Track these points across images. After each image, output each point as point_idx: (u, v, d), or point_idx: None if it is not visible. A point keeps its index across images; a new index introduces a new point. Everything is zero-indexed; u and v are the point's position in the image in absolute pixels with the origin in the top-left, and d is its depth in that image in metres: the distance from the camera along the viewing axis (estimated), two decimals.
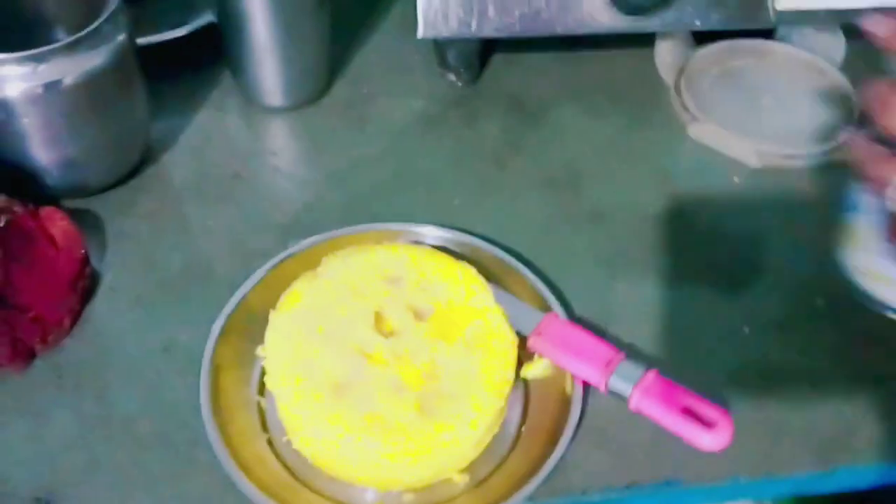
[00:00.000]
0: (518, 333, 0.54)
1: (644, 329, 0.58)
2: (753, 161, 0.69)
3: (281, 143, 0.72)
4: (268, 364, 0.51)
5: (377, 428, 0.48)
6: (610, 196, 0.67)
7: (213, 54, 0.73)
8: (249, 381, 0.55)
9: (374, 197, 0.66)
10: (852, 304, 0.59)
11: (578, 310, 0.59)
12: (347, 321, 0.52)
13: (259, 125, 0.72)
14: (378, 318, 0.52)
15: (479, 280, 0.54)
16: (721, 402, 0.51)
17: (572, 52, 0.78)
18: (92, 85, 0.59)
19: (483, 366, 0.51)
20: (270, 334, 0.51)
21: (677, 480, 0.52)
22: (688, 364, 0.56)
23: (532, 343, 0.53)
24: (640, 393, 0.50)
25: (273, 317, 0.52)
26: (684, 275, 0.62)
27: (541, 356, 0.54)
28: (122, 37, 0.61)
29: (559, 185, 0.68)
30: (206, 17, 0.73)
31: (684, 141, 0.72)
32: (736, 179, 0.69)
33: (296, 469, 0.51)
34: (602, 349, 0.52)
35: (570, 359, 0.52)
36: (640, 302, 0.60)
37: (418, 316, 0.53)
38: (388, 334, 0.52)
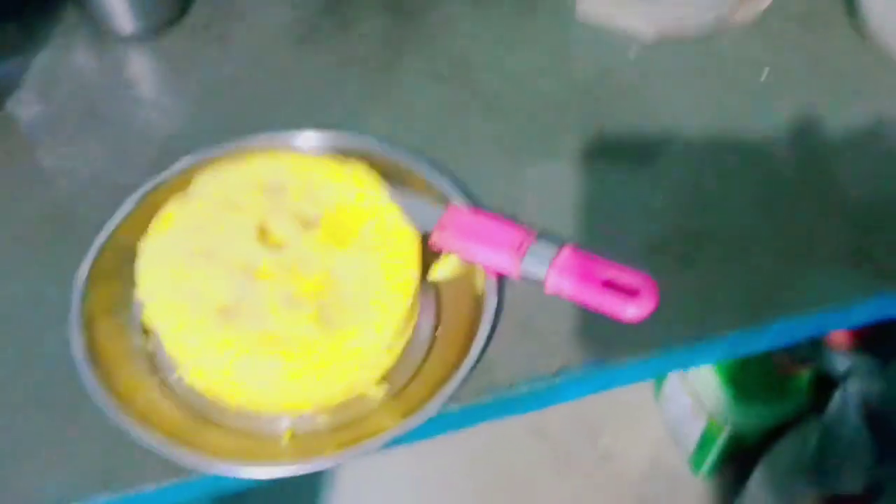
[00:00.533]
0: (421, 233, 0.49)
1: (555, 211, 0.55)
2: (648, 32, 0.66)
3: (138, 72, 0.65)
4: (143, 295, 0.45)
5: (273, 345, 0.43)
6: (503, 85, 0.63)
7: None
8: (130, 325, 0.49)
9: (248, 115, 0.61)
10: (763, 158, 0.57)
11: (485, 202, 0.54)
12: (227, 239, 0.47)
13: (112, 57, 0.65)
14: (262, 231, 0.48)
15: (370, 179, 0.50)
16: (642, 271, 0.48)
17: None
18: None
19: (383, 266, 0.46)
20: (142, 263, 0.46)
21: (607, 359, 0.49)
22: (603, 242, 0.53)
23: (436, 239, 0.49)
24: (557, 272, 0.46)
25: (143, 245, 0.47)
26: (590, 154, 0.59)
27: (447, 253, 0.50)
28: None
29: (450, 80, 0.63)
30: None
31: (573, 22, 0.68)
32: (631, 55, 0.65)
33: (197, 408, 0.46)
34: (511, 233, 0.48)
35: (478, 248, 0.48)
36: (547, 185, 0.57)
37: (306, 224, 0.48)
38: (275, 247, 0.47)
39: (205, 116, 0.61)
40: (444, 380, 0.46)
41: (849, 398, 1.15)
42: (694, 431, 1.42)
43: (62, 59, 0.65)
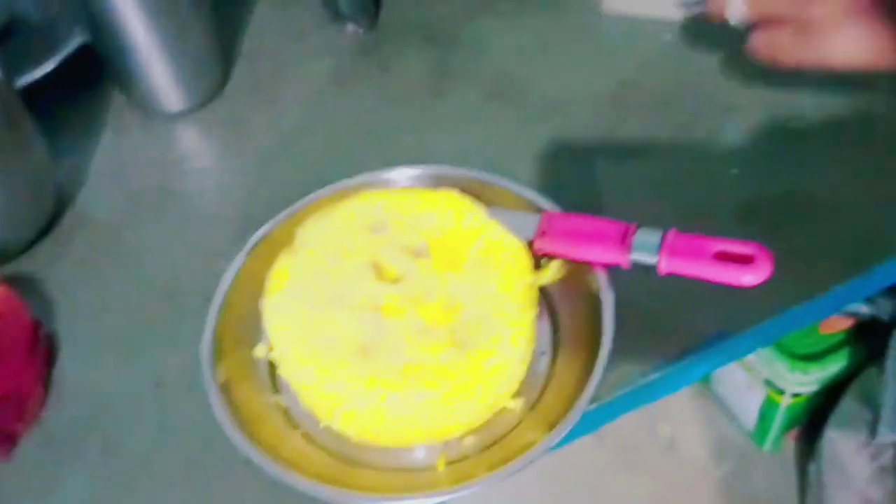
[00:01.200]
0: (523, 242, 0.50)
1: (638, 202, 0.56)
2: (676, 14, 0.67)
3: (196, 144, 0.66)
4: (277, 353, 0.46)
5: (419, 376, 0.44)
6: (554, 91, 0.65)
7: (93, 77, 0.67)
8: (261, 387, 0.50)
9: (318, 164, 0.62)
10: (824, 113, 0.58)
11: (568, 206, 0.55)
12: (346, 282, 0.47)
13: (167, 134, 0.67)
14: (377, 269, 0.48)
15: (465, 200, 0.51)
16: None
17: None
18: None
19: (501, 280, 0.47)
20: (269, 321, 0.46)
21: (728, 330, 0.50)
22: (696, 221, 0.54)
23: (539, 245, 0.50)
24: (668, 254, 0.47)
25: (265, 303, 0.47)
26: (654, 143, 0.60)
27: (551, 258, 0.50)
28: None
29: (502, 96, 0.65)
30: (76, 41, 0.66)
31: (601, 16, 0.69)
32: (668, 37, 0.67)
33: (345, 453, 0.47)
34: (612, 227, 0.49)
35: (584, 247, 0.49)
36: (622, 179, 0.58)
37: (417, 255, 0.49)
38: (393, 282, 0.48)
39: (275, 173, 0.62)
40: (578, 383, 0.46)
41: None
42: (753, 405, 1.42)
43: (120, 144, 0.66)
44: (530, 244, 0.50)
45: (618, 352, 0.48)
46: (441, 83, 0.67)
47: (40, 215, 0.60)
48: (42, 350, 0.52)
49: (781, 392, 1.37)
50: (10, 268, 0.58)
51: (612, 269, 0.50)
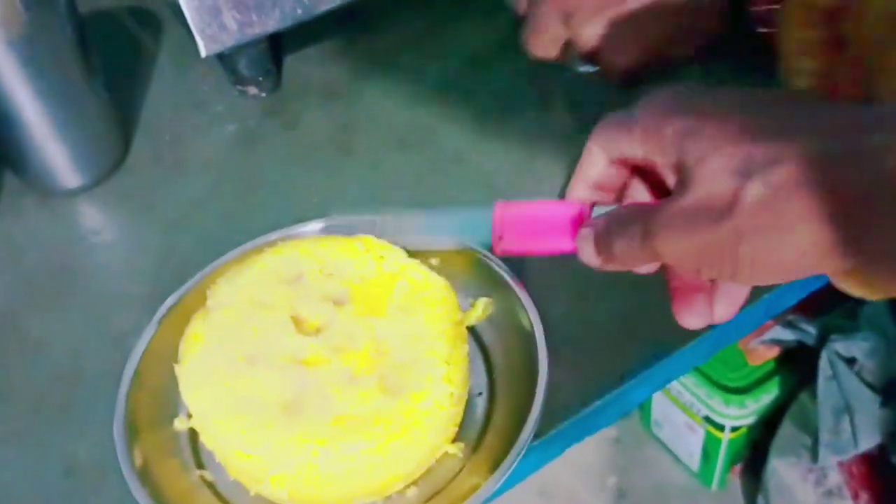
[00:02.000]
0: (472, 250, 0.49)
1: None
2: None
3: (98, 220, 0.63)
4: (196, 421, 0.43)
5: (351, 428, 0.41)
6: (464, 134, 0.64)
7: None
8: (183, 464, 0.46)
9: (227, 228, 0.59)
10: None
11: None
12: (265, 338, 0.45)
13: (67, 212, 0.63)
14: (297, 322, 0.46)
15: (382, 244, 0.49)
16: None
17: (359, 21, 0.75)
18: None
19: (427, 320, 0.46)
20: (186, 387, 0.43)
21: (662, 350, 0.49)
22: None
23: (502, 248, 0.43)
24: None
25: (180, 370, 0.44)
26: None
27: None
28: None
29: (413, 144, 0.64)
30: None
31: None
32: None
33: None
34: (567, 209, 0.42)
35: (549, 238, 0.42)
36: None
37: (337, 303, 0.47)
38: (316, 332, 0.45)
39: (183, 242, 0.59)
40: (518, 421, 0.44)
41: (834, 361, 1.18)
42: (695, 445, 1.43)
43: (16, 225, 0.62)
44: (490, 248, 0.45)
45: (555, 384, 0.47)
46: (348, 138, 0.66)
47: None
48: None
49: (721, 427, 1.38)
50: None
51: (539, 301, 0.49)
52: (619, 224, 0.38)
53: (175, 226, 0.61)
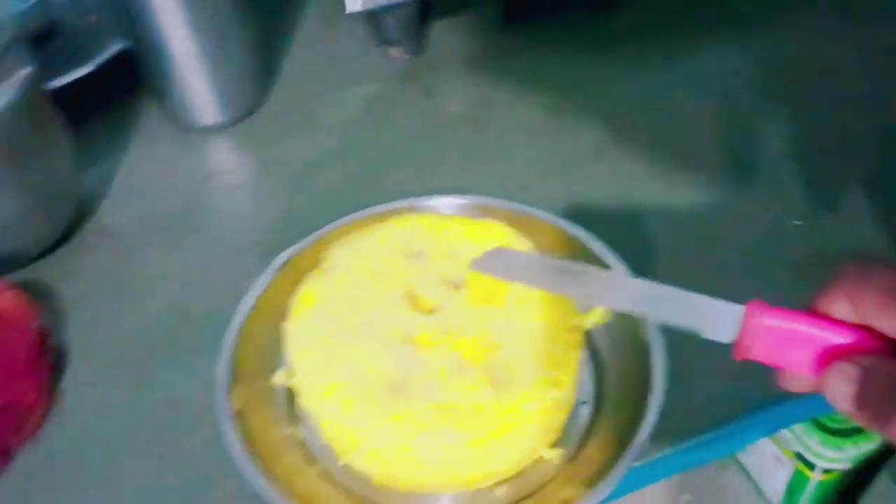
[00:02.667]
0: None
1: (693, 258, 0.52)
2: None
3: (229, 161, 0.64)
4: (297, 381, 0.42)
5: (452, 417, 0.40)
6: (604, 129, 0.62)
7: (128, 86, 0.65)
8: (277, 418, 0.46)
9: (353, 189, 0.59)
10: None
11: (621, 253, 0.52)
12: (378, 309, 0.44)
13: (200, 148, 0.64)
14: (411, 298, 0.45)
15: (511, 232, 0.47)
16: None
17: None
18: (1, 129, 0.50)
19: (544, 319, 0.44)
20: (292, 345, 0.43)
21: (784, 396, 0.45)
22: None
23: (745, 355, 0.35)
24: None
25: (288, 326, 0.44)
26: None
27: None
28: (25, 71, 0.52)
29: (547, 131, 0.62)
30: (116, 46, 0.64)
31: None
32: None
33: (363, 497, 0.43)
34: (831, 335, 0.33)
35: (799, 363, 0.34)
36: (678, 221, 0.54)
37: (455, 286, 0.45)
38: (429, 312, 0.44)
39: (306, 198, 0.59)
40: (622, 438, 0.42)
41: None
42: (780, 479, 1.36)
43: (150, 156, 0.63)
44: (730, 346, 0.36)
45: (667, 407, 0.44)
46: (484, 115, 0.64)
47: (59, 223, 0.57)
48: (48, 361, 0.49)
49: (812, 467, 1.31)
50: (24, 274, 0.55)
51: None
52: None
53: (301, 180, 0.61)
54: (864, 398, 0.31)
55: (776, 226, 0.54)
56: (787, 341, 0.34)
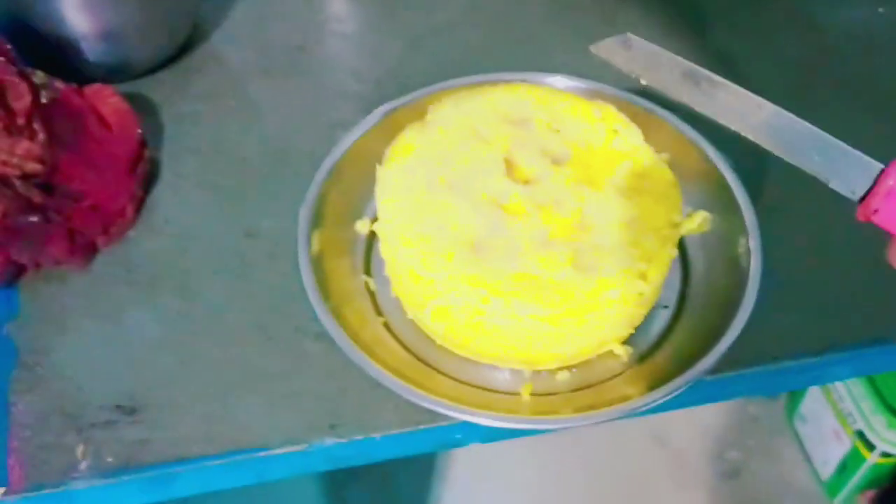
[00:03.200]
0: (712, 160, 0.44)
1: None
2: None
3: (346, 9, 0.62)
4: (383, 226, 0.42)
5: (530, 288, 0.39)
6: (741, 40, 0.58)
7: None
8: (352, 266, 0.46)
9: (463, 60, 0.57)
10: None
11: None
12: (473, 169, 0.43)
13: None
14: (510, 165, 0.43)
15: (622, 118, 0.45)
16: None
17: None
18: None
19: (644, 211, 0.42)
20: (382, 191, 0.42)
21: (880, 339, 0.43)
22: None
23: (870, 217, 0.33)
24: None
25: (382, 171, 0.43)
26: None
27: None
28: None
29: (682, 32, 0.59)
30: None
31: None
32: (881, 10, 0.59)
33: (422, 354, 0.43)
34: None
35: None
36: None
37: (556, 161, 0.44)
38: (525, 182, 0.43)
39: (416, 59, 0.58)
40: (696, 349, 0.41)
41: None
42: (834, 454, 1.33)
43: None
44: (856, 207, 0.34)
45: (750, 327, 0.42)
46: (615, 7, 0.61)
47: (172, 43, 0.57)
48: (143, 171, 0.50)
49: (872, 448, 1.28)
50: (132, 86, 0.55)
51: (769, 236, 0.44)
52: None
53: (418, 40, 0.59)
54: None
55: None
56: None
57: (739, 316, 0.41)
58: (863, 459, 1.27)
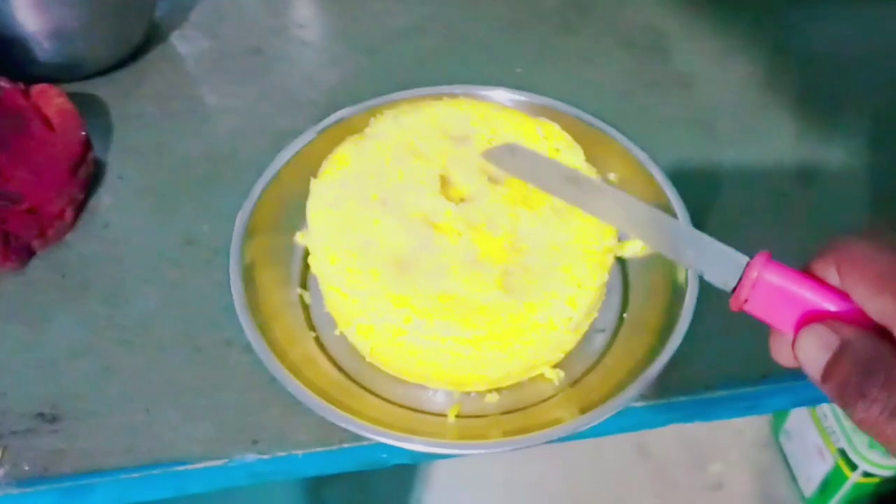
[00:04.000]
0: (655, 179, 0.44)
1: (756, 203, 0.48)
2: None
3: (306, 15, 0.62)
4: (311, 240, 0.41)
5: (455, 309, 0.38)
6: (698, 61, 0.57)
7: None
8: (288, 277, 0.45)
9: (420, 68, 0.56)
10: None
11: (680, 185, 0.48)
12: (407, 186, 0.42)
13: None
14: (444, 182, 0.43)
15: (565, 137, 0.44)
16: None
17: None
18: None
19: (578, 234, 0.41)
20: (313, 204, 0.42)
21: None
22: None
23: (741, 307, 0.34)
24: None
25: (315, 184, 0.42)
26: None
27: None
28: None
29: (638, 48, 0.58)
30: None
31: None
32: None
33: (352, 371, 0.42)
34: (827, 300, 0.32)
35: (790, 323, 0.32)
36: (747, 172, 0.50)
37: (493, 180, 0.43)
38: (458, 200, 0.42)
39: (373, 66, 0.57)
40: (630, 373, 0.40)
41: None
42: (817, 472, 1.32)
43: None
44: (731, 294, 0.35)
45: (686, 353, 0.42)
46: (576, 17, 0.60)
47: (127, 43, 0.56)
48: (85, 173, 0.49)
49: (854, 467, 1.27)
50: (82, 86, 0.55)
51: None
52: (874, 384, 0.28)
53: (375, 48, 0.58)
54: (834, 369, 0.29)
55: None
56: (782, 300, 0.32)
57: (672, 341, 0.40)
58: (845, 478, 1.26)
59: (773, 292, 0.32)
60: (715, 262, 0.34)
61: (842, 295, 0.31)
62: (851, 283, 0.30)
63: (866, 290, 0.29)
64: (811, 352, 0.30)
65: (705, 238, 0.35)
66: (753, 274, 0.32)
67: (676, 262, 0.36)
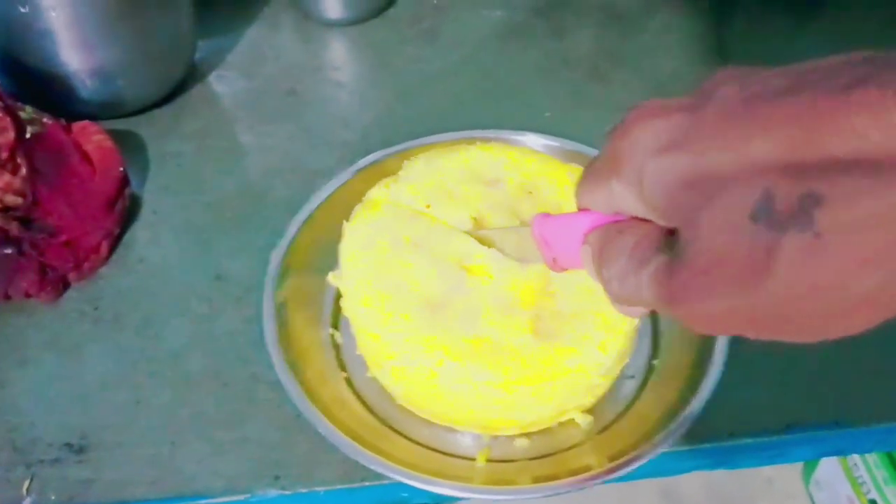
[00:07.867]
0: None
1: None
2: None
3: (342, 57, 0.63)
4: (344, 282, 0.41)
5: (486, 353, 0.38)
6: None
7: None
8: (320, 316, 0.46)
9: (452, 112, 0.57)
10: None
11: None
12: (440, 229, 0.42)
13: (317, 40, 0.63)
14: (476, 225, 0.43)
15: None
16: None
17: None
18: None
19: None
20: (346, 247, 0.42)
21: (843, 421, 0.42)
22: None
23: (561, 266, 0.34)
24: None
25: (348, 227, 0.43)
26: None
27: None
28: None
29: (668, 95, 0.58)
30: None
31: None
32: None
33: (382, 412, 0.42)
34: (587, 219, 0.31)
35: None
36: None
37: (525, 223, 0.43)
38: (491, 244, 0.42)
39: (406, 109, 0.58)
40: (659, 421, 0.40)
41: None
42: None
43: (268, 39, 0.63)
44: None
45: (716, 401, 0.41)
46: (606, 65, 0.61)
47: (166, 82, 0.58)
48: (121, 208, 0.50)
49: None
50: (122, 123, 0.56)
51: None
52: (621, 258, 0.27)
53: (408, 91, 0.59)
54: (606, 254, 0.28)
55: None
56: (572, 240, 0.31)
57: (702, 392, 0.40)
58: None
59: (563, 239, 0.32)
60: (525, 244, 0.35)
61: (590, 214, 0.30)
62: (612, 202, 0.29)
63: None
64: (587, 254, 0.30)
65: (510, 229, 0.39)
66: (537, 233, 0.33)
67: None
